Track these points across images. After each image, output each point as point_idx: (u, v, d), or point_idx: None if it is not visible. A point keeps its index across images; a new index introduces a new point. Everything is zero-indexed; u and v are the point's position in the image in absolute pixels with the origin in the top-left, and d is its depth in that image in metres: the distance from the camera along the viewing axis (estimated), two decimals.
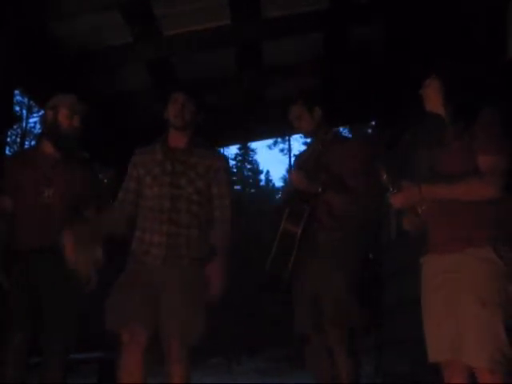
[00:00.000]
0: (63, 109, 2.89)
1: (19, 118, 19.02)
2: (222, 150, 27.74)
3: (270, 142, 28.78)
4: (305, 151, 3.34)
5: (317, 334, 2.78)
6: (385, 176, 2.20)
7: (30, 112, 20.34)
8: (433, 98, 2.28)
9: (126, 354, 2.41)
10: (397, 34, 4.43)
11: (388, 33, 4.49)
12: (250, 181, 27.78)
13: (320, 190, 2.78)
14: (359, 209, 2.83)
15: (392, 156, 4.58)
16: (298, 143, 26.98)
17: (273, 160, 34.82)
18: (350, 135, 20.96)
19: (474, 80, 2.33)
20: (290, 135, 23.82)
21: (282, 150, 28.39)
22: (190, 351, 2.46)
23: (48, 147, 2.94)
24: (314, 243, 2.81)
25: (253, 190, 26.64)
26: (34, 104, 17.27)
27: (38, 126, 19.36)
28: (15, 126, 18.71)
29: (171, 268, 2.53)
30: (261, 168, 28.25)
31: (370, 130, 18.38)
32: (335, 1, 4.03)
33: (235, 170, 28.61)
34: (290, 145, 27.53)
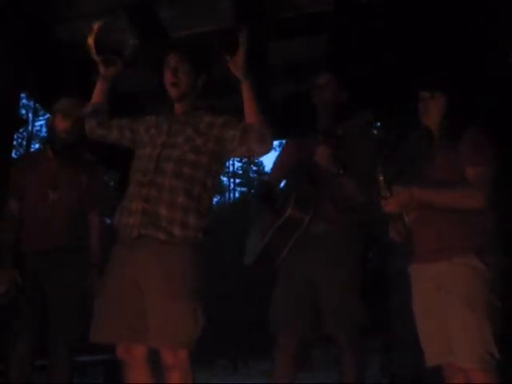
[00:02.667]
0: (58, 112, 2.91)
1: (25, 122, 19.11)
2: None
3: (275, 143, 28.78)
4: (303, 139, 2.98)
5: (286, 335, 2.63)
6: (381, 178, 2.22)
7: (35, 115, 20.43)
8: (434, 112, 2.35)
9: (127, 371, 2.21)
10: (401, 34, 4.42)
11: (392, 33, 4.48)
12: (256, 182, 27.80)
13: (341, 171, 2.60)
14: (365, 203, 2.69)
15: (396, 157, 4.57)
16: None
17: None
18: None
19: (472, 93, 2.40)
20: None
21: None
22: (190, 354, 2.14)
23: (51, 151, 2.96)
24: (311, 234, 2.62)
25: None
26: (39, 107, 17.34)
27: (43, 129, 19.46)
28: (21, 129, 18.81)
29: (147, 245, 2.14)
30: (266, 170, 28.28)
31: (375, 131, 18.33)
32: (339, 2, 4.03)
33: (241, 172, 28.63)
34: None
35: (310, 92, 2.88)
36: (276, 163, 3.04)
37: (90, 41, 2.30)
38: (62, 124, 2.89)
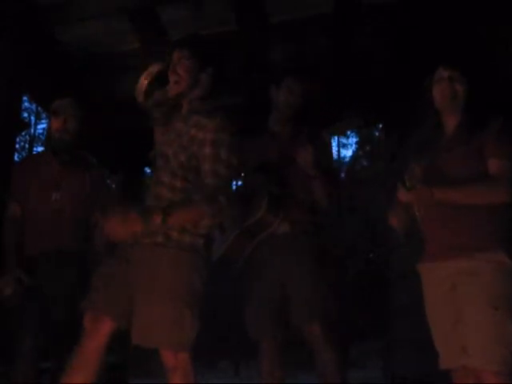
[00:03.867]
0: (52, 113, 2.93)
1: (28, 125, 19.12)
2: None
3: None
4: (259, 139, 2.92)
5: (269, 337, 2.62)
6: (417, 169, 2.08)
7: (38, 118, 20.45)
8: (458, 93, 2.15)
9: (83, 338, 2.14)
10: (403, 36, 4.43)
11: (394, 35, 4.49)
12: None
13: (316, 174, 2.60)
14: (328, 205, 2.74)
15: (401, 156, 4.57)
16: None
17: None
18: (356, 139, 21.05)
19: (489, 84, 2.27)
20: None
21: None
22: (190, 356, 2.14)
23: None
24: (277, 235, 2.62)
25: None
26: (41, 110, 17.36)
27: (46, 132, 19.43)
28: (23, 133, 18.83)
29: (144, 247, 2.13)
30: None
31: (377, 133, 18.38)
32: (341, 4, 4.04)
33: None
34: None
35: (274, 96, 2.88)
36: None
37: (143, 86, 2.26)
38: (54, 124, 2.90)
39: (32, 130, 20.35)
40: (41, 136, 20.66)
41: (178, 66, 2.21)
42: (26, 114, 19.34)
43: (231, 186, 2.37)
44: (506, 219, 2.09)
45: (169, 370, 2.12)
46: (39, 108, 17.41)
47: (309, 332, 2.56)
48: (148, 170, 6.59)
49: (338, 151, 20.80)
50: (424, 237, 2.24)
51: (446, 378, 2.23)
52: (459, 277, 2.05)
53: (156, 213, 2.02)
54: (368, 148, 20.56)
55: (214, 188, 2.11)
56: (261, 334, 2.65)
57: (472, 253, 2.03)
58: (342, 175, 19.32)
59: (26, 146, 19.90)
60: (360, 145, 20.92)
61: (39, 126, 20.92)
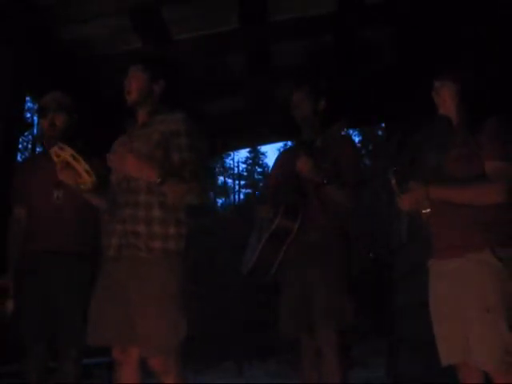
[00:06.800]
0: (39, 113, 2.95)
1: (31, 125, 19.12)
2: (232, 154, 27.97)
3: (280, 145, 28.90)
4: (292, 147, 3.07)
5: (304, 335, 2.72)
6: (394, 181, 2.18)
7: None
8: (447, 101, 2.27)
9: (120, 371, 2.28)
10: (406, 35, 4.43)
11: (397, 34, 4.49)
12: (261, 184, 27.84)
13: (325, 181, 2.66)
14: (353, 205, 2.79)
15: (402, 157, 4.58)
16: None
17: None
18: (359, 137, 21.05)
19: (485, 87, 2.32)
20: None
21: None
22: (178, 359, 2.25)
23: None
24: (303, 240, 2.70)
25: None
26: None
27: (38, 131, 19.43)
28: (26, 133, 18.83)
29: (128, 262, 2.22)
30: None
31: (380, 132, 18.37)
32: (343, 3, 4.03)
33: (246, 174, 28.64)
34: None
35: (289, 105, 2.93)
36: (270, 175, 3.13)
37: None
38: (42, 123, 2.91)
39: (35, 130, 20.39)
40: None
41: (132, 78, 2.41)
42: (28, 114, 19.38)
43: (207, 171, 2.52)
44: (503, 219, 2.10)
45: (160, 374, 2.23)
46: None
47: (318, 335, 2.64)
48: None
49: None
50: (431, 233, 2.29)
51: (448, 378, 2.25)
52: (452, 277, 2.12)
53: (158, 173, 2.17)
54: (371, 147, 20.55)
55: (196, 170, 2.25)
56: (295, 332, 2.74)
57: (463, 253, 2.10)
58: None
59: (29, 146, 19.92)
60: (363, 144, 20.90)
61: None
